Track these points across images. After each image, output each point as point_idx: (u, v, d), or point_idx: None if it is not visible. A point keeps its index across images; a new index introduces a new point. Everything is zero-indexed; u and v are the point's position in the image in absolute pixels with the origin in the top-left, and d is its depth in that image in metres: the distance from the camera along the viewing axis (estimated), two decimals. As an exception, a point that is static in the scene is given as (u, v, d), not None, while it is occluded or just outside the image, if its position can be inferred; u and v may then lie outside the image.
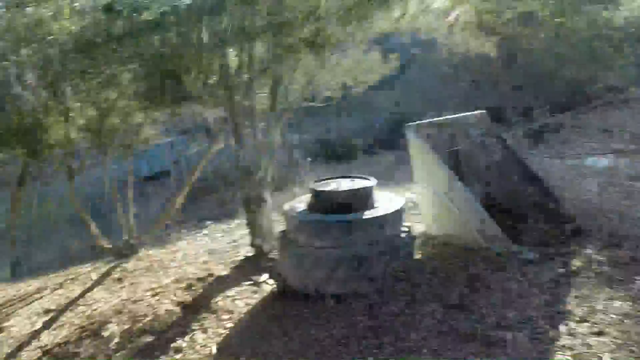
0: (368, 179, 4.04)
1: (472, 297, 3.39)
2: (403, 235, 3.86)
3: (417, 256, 4.24)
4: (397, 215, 3.81)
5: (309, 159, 10.39)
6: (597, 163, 5.83)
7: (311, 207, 3.93)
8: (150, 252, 5.85)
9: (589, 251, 3.81)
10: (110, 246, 6.15)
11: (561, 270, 3.67)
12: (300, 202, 4.10)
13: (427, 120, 4.96)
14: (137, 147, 7.34)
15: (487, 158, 5.06)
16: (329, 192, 3.84)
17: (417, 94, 13.41)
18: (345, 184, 3.98)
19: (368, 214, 3.68)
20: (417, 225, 5.03)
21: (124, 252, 5.90)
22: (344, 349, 2.98)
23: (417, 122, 4.86)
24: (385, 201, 3.96)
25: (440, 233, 4.62)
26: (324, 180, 4.17)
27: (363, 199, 3.83)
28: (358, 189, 3.84)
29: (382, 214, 3.69)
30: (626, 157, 6.29)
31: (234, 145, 4.84)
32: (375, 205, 3.86)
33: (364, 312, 3.34)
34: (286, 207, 4.07)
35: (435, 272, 3.84)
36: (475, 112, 5.11)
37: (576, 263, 3.68)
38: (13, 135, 4.99)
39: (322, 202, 3.86)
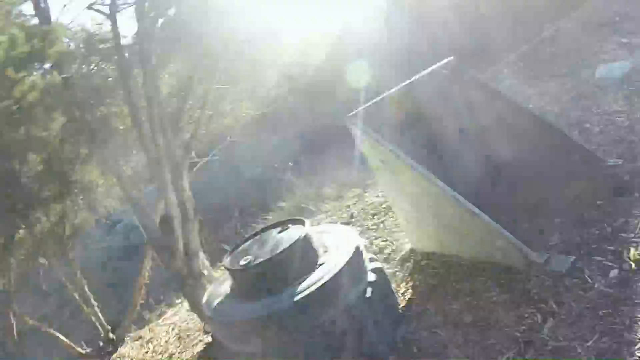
0: (300, 223, 2.79)
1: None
2: (369, 291, 2.61)
3: (401, 291, 3.07)
4: (353, 266, 2.56)
5: None
6: (613, 71, 4.40)
7: (234, 292, 2.72)
8: (126, 348, 4.95)
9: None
10: (87, 351, 5.21)
11: (614, 273, 2.40)
12: (224, 284, 2.89)
13: (376, 100, 3.55)
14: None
15: (479, 119, 3.69)
16: (241, 270, 2.59)
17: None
18: (268, 244, 2.73)
19: (305, 287, 2.43)
20: (401, 236, 3.81)
21: (105, 352, 5.04)
22: None
23: (363, 106, 3.48)
24: (333, 248, 2.71)
25: (431, 249, 3.37)
26: (244, 241, 2.93)
27: (295, 261, 2.58)
28: (281, 254, 2.55)
29: (327, 278, 2.43)
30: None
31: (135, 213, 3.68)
32: (317, 261, 2.63)
33: None
34: (205, 297, 2.87)
35: (430, 330, 2.63)
36: (443, 61, 3.66)
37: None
38: None
39: (242, 283, 2.65)
